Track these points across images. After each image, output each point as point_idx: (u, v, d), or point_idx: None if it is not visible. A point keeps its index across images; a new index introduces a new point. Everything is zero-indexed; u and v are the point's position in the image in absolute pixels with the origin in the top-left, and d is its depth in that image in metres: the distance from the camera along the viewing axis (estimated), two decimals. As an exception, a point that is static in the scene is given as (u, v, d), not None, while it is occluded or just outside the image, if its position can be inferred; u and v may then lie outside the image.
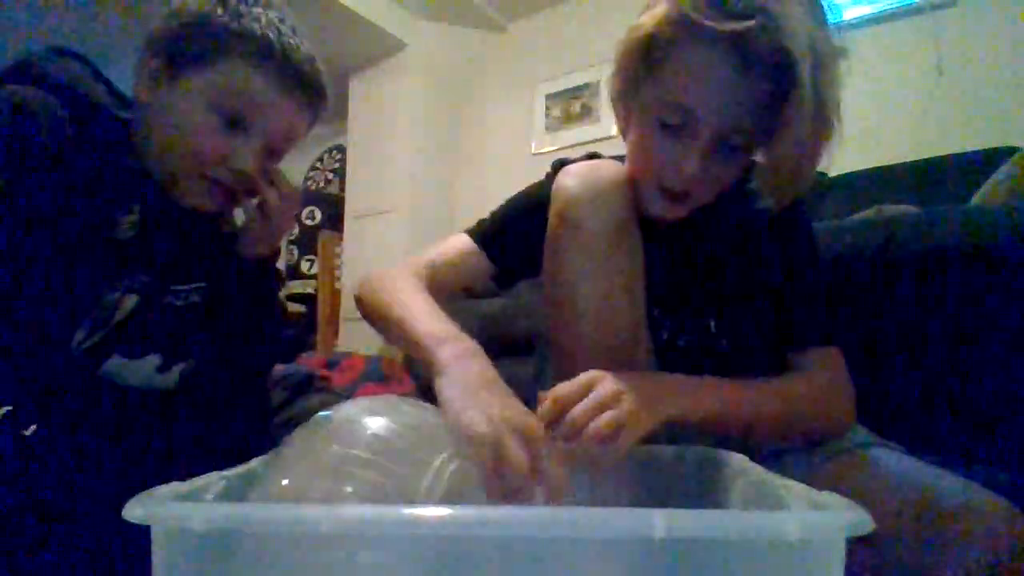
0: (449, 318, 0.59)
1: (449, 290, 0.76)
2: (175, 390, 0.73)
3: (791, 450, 0.66)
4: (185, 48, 0.64)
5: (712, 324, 0.71)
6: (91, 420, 0.66)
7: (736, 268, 0.71)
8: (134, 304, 0.68)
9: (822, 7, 0.58)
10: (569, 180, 0.65)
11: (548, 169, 0.78)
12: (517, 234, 0.75)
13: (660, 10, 0.57)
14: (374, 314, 0.68)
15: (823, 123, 0.57)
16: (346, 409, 0.44)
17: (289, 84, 0.67)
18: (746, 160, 0.64)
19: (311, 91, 0.70)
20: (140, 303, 0.68)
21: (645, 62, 0.60)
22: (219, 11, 0.64)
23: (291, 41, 0.67)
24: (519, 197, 0.80)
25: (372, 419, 0.42)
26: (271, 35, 0.65)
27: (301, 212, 0.86)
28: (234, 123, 0.65)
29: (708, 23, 0.53)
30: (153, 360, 0.71)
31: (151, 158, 0.67)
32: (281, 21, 0.67)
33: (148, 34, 0.67)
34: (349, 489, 0.36)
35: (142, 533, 0.27)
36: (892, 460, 0.58)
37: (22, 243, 0.60)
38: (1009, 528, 0.42)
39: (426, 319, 0.58)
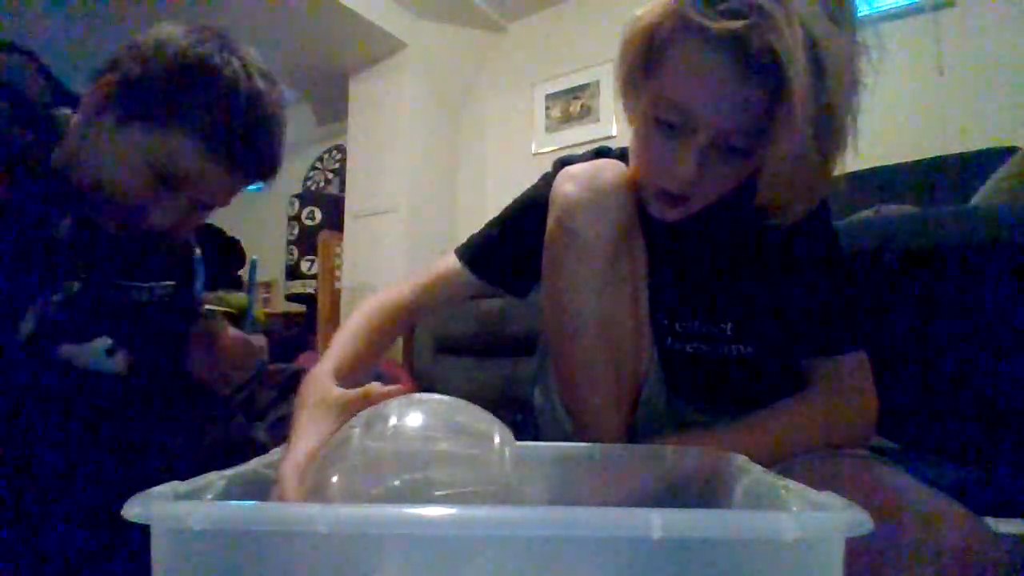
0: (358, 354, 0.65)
1: (438, 307, 0.80)
2: (125, 376, 0.75)
3: None
4: (144, 98, 0.62)
5: (729, 327, 0.68)
6: (46, 406, 0.67)
7: (753, 269, 0.68)
8: (77, 289, 0.69)
9: (845, 2, 0.54)
10: (568, 185, 0.63)
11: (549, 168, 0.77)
12: (518, 242, 0.73)
13: (658, 4, 0.56)
14: None
15: (829, 130, 0.53)
16: (380, 409, 0.44)
17: (237, 163, 0.66)
18: (751, 164, 0.59)
19: (260, 170, 0.70)
20: (82, 289, 0.69)
21: (644, 58, 0.58)
22: (194, 68, 0.62)
23: (253, 116, 0.65)
24: (518, 203, 0.78)
25: (411, 416, 0.42)
26: (235, 108, 0.63)
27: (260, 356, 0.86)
28: (165, 182, 0.64)
29: (702, 21, 0.51)
30: (102, 342, 0.73)
31: (74, 176, 0.66)
32: (262, 76, 0.66)
33: (113, 59, 0.65)
34: (396, 483, 0.36)
35: (141, 532, 0.27)
36: (866, 465, 0.57)
37: None
38: (968, 537, 0.42)
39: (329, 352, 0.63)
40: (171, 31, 0.64)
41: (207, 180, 0.65)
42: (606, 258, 0.61)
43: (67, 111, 0.67)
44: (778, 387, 0.65)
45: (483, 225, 0.80)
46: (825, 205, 0.67)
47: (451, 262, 0.78)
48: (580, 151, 0.79)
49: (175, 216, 0.67)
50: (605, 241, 0.61)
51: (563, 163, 0.73)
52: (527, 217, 0.73)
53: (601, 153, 0.75)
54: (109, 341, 0.73)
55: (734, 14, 0.50)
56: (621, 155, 0.72)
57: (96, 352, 0.72)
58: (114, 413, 0.71)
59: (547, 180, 0.74)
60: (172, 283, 0.80)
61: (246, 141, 0.65)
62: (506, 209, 0.79)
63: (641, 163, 0.63)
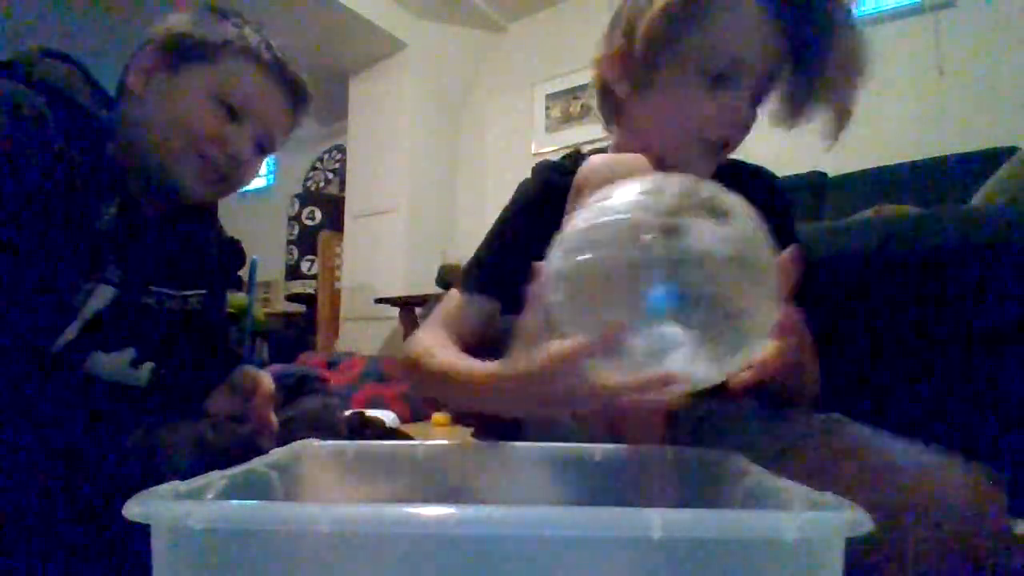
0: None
1: (465, 344, 0.72)
2: (147, 388, 0.75)
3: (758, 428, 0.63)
4: (187, 47, 0.70)
5: None
6: (71, 415, 0.67)
7: None
8: (111, 296, 0.70)
9: None
10: (597, 176, 0.61)
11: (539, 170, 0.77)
12: (528, 251, 0.72)
13: None
14: (434, 388, 0.65)
15: (862, 61, 0.62)
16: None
17: (280, 83, 0.75)
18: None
19: (298, 91, 0.78)
20: (117, 296, 0.70)
21: (684, 17, 0.61)
22: (216, 23, 0.72)
23: (281, 52, 0.75)
24: (512, 214, 0.75)
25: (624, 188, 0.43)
26: (266, 43, 0.73)
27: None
28: (231, 112, 0.71)
29: None
30: (128, 353, 0.73)
31: (140, 145, 0.70)
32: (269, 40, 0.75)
33: (145, 39, 0.71)
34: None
35: (141, 531, 0.27)
36: (854, 429, 0.55)
37: (2, 237, 0.60)
38: (968, 494, 0.41)
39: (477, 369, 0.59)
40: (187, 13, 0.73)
41: (266, 102, 0.74)
42: None
43: (107, 114, 0.70)
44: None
45: (478, 250, 0.75)
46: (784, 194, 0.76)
47: (456, 302, 0.71)
48: (581, 151, 0.78)
49: (247, 147, 0.73)
50: None
51: (545, 168, 0.74)
52: (529, 223, 0.70)
53: (580, 156, 0.75)
54: (134, 352, 0.74)
55: None
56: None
57: (121, 363, 0.73)
58: (130, 425, 0.71)
59: (532, 185, 0.74)
60: (203, 292, 0.81)
61: (287, 60, 0.75)
62: (499, 226, 0.75)
63: (682, 120, 0.66)
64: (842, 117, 0.65)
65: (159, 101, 0.70)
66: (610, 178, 0.60)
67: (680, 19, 0.61)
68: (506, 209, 0.76)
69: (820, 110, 0.65)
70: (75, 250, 0.66)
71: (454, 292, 0.73)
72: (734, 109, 0.64)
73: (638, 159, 0.64)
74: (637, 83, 0.68)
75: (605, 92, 0.76)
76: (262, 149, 0.77)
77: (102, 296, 0.69)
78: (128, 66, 0.71)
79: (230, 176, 0.73)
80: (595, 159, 0.65)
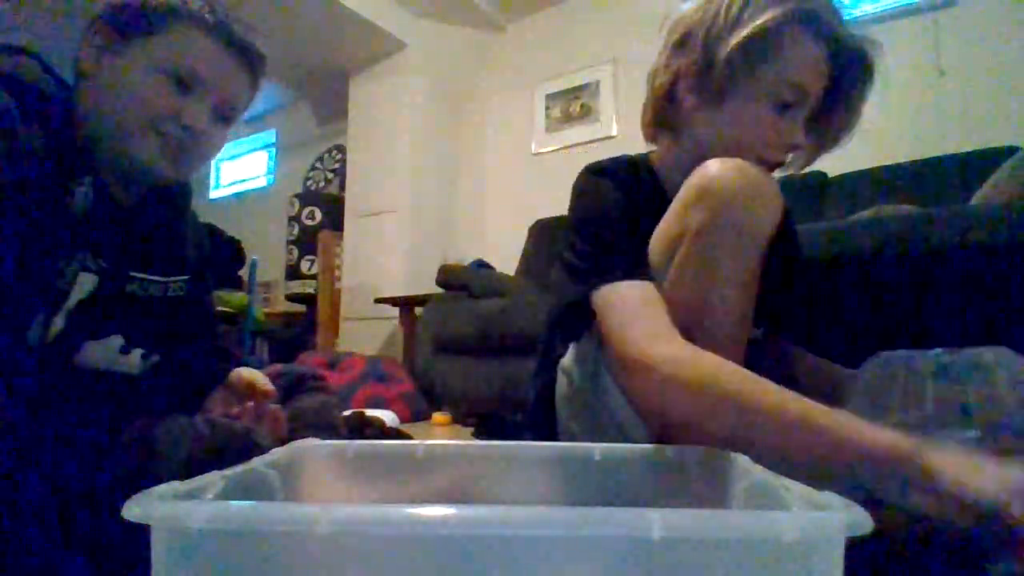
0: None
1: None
2: (139, 375, 0.75)
3: None
4: (130, 20, 0.69)
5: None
6: (65, 407, 0.67)
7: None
8: (94, 285, 0.69)
9: None
10: (739, 179, 0.62)
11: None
12: (644, 241, 0.71)
13: (782, 8, 0.67)
14: (736, 423, 0.56)
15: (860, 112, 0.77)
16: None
17: (229, 47, 0.72)
18: None
19: (249, 54, 0.75)
20: (100, 284, 0.70)
21: (763, 49, 0.68)
22: None
23: (227, 15, 0.73)
24: (612, 213, 0.72)
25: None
26: (210, 7, 0.71)
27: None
28: (182, 84, 0.70)
29: (825, 19, 0.69)
30: (116, 341, 0.73)
31: (100, 127, 0.69)
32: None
33: (90, 19, 0.70)
34: None
35: (140, 531, 0.27)
36: None
37: None
38: None
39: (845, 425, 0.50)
40: None
41: (217, 69, 0.71)
42: (760, 254, 0.64)
43: (69, 99, 0.69)
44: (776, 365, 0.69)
45: (600, 247, 0.71)
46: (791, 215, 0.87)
47: (638, 291, 0.66)
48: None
49: (203, 118, 0.71)
50: (766, 236, 0.63)
51: (592, 171, 0.75)
52: (635, 218, 0.71)
53: (632, 162, 0.78)
54: (122, 340, 0.73)
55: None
56: (644, 162, 0.78)
57: (109, 351, 0.72)
58: (125, 414, 0.71)
59: (612, 186, 0.73)
60: (185, 278, 0.80)
61: (234, 22, 0.72)
62: (606, 226, 0.71)
63: (751, 137, 0.72)
64: (825, 149, 0.77)
65: (110, 80, 0.69)
66: (742, 186, 0.63)
67: (758, 51, 0.68)
68: (608, 209, 0.73)
69: (818, 137, 0.75)
70: (50, 234, 0.65)
71: (627, 284, 0.66)
72: (793, 133, 0.71)
73: (767, 173, 0.66)
74: (708, 98, 0.72)
75: (667, 99, 0.78)
76: (223, 118, 0.75)
77: (83, 284, 0.69)
78: (79, 47, 0.70)
79: (191, 150, 0.72)
80: (717, 164, 0.65)
